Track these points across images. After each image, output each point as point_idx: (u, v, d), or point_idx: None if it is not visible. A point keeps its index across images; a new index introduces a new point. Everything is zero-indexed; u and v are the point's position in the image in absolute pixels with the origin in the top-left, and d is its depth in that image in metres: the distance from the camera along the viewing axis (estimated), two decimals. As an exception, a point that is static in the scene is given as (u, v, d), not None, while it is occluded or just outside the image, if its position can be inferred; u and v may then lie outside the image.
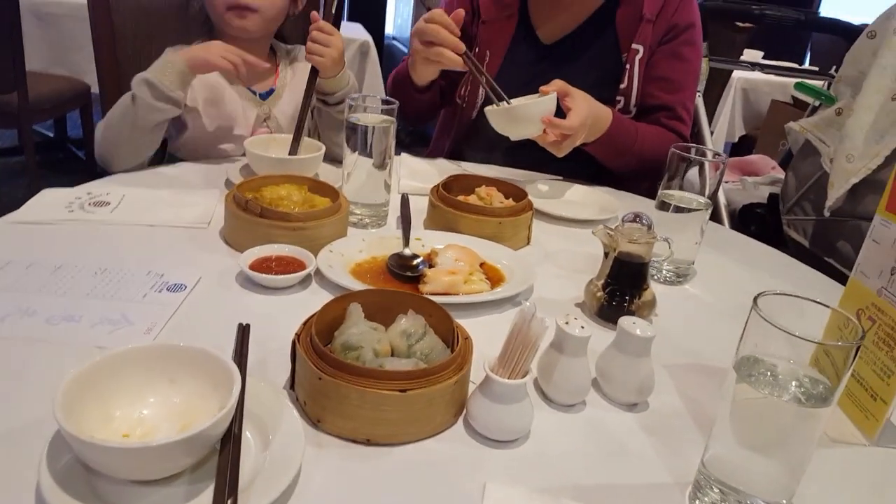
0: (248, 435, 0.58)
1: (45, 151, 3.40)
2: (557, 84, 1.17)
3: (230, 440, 0.55)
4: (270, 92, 1.34)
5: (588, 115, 1.18)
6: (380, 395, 0.59)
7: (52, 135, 3.50)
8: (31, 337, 0.70)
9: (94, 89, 2.59)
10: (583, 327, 0.66)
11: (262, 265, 0.85)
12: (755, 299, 0.52)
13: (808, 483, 0.54)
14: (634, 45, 1.33)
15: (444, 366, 0.61)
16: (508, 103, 1.17)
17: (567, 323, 0.66)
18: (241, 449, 0.56)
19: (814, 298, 0.54)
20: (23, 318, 0.73)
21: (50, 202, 1.02)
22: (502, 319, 0.83)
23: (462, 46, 1.20)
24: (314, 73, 1.21)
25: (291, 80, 1.37)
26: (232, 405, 0.53)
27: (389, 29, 4.86)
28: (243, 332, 0.70)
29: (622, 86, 1.35)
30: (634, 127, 1.31)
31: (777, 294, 0.53)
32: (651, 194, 1.47)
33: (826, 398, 0.51)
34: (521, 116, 1.15)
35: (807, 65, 4.13)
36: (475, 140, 1.47)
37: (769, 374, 0.54)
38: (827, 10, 5.31)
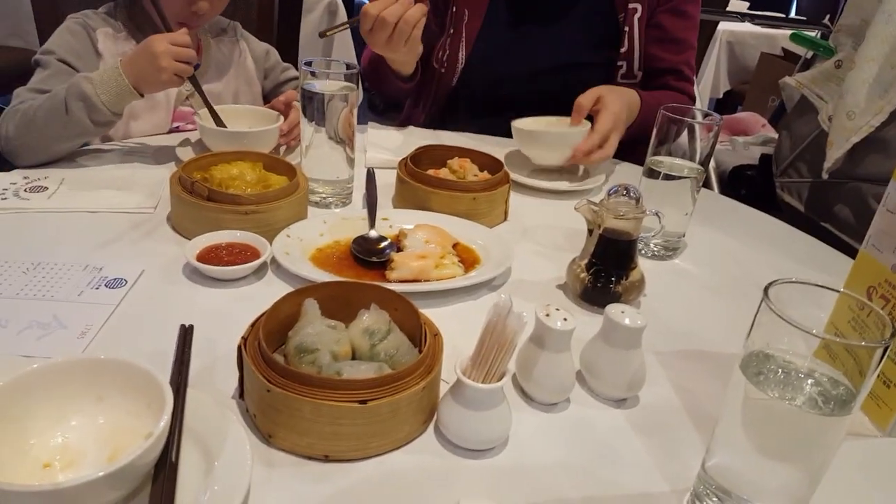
0: (188, 458, 0.51)
1: None
2: (590, 99, 1.11)
3: (165, 467, 0.48)
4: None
5: (617, 120, 1.11)
6: (337, 408, 0.51)
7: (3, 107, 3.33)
8: (-50, 348, 0.62)
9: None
10: (565, 319, 0.58)
11: (211, 255, 0.77)
12: (766, 290, 0.45)
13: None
14: (631, 5, 1.24)
15: (409, 370, 0.54)
16: None
17: (548, 315, 0.59)
18: (179, 476, 0.49)
19: (831, 286, 0.47)
20: (-59, 324, 0.65)
21: (-21, 190, 0.93)
22: (478, 307, 0.76)
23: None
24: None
25: (218, 55, 1.24)
26: (161, 432, 0.46)
27: (362, -13, 4.63)
28: (185, 335, 0.62)
29: (622, 49, 1.26)
30: (657, 101, 1.21)
31: (790, 282, 0.46)
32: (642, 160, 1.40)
33: (847, 402, 0.45)
34: (549, 144, 1.10)
35: (793, 15, 4.02)
36: (455, 109, 1.37)
37: (781, 372, 0.47)
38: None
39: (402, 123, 1.45)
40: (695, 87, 1.34)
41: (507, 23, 1.31)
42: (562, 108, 1.28)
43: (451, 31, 1.32)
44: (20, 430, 0.49)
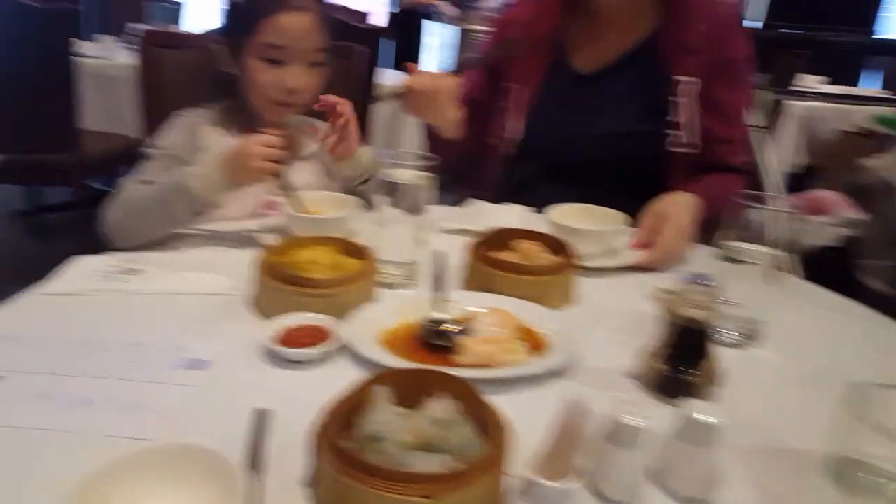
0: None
1: (100, 205, 3.49)
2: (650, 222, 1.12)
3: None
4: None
5: (683, 234, 1.12)
6: (401, 502, 0.51)
7: (108, 189, 3.60)
8: (42, 427, 0.66)
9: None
10: (637, 414, 0.57)
11: (288, 336, 0.80)
12: (848, 392, 0.43)
13: None
14: (683, 77, 1.26)
15: (475, 466, 0.54)
16: None
17: (619, 410, 0.57)
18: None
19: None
20: (37, 403, 0.70)
21: (79, 272, 1.00)
22: (546, 393, 0.75)
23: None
24: None
25: (306, 151, 1.32)
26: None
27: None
28: (259, 420, 0.64)
29: (674, 119, 1.27)
30: (713, 194, 1.20)
31: (872, 385, 0.44)
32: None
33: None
34: (586, 240, 1.07)
35: (859, 85, 3.95)
36: (514, 182, 1.40)
37: (869, 476, 0.45)
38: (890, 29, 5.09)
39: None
40: (757, 157, 1.32)
41: (559, 92, 1.35)
42: (616, 175, 1.28)
43: (502, 103, 1.37)
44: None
